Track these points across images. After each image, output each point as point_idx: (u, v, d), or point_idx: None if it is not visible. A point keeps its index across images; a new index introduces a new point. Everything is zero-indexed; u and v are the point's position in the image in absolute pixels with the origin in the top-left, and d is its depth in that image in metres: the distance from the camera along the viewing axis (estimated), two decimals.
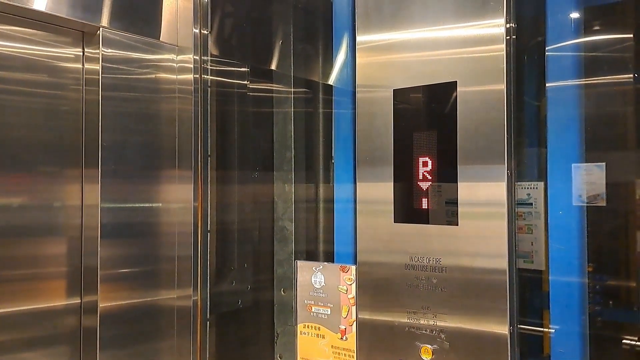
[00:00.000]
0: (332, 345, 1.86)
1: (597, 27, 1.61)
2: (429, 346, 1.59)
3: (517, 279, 1.50)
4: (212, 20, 2.20)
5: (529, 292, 1.66)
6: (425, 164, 1.62)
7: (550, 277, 1.56)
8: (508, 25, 1.50)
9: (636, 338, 1.50)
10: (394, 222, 1.67)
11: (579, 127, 1.54)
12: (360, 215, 1.76)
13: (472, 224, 1.53)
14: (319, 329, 1.90)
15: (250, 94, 2.42)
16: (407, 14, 1.67)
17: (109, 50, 1.93)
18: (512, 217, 1.50)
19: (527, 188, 1.65)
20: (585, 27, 1.58)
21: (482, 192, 1.51)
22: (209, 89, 2.18)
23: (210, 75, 2.19)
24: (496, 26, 1.50)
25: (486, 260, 1.50)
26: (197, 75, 2.13)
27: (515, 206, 1.53)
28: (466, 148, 1.54)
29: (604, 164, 1.52)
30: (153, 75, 2.08)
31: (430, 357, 1.59)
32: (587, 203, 1.53)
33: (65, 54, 1.94)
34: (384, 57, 1.71)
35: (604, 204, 1.52)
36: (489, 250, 1.50)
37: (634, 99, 1.56)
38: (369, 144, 1.73)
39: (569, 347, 1.53)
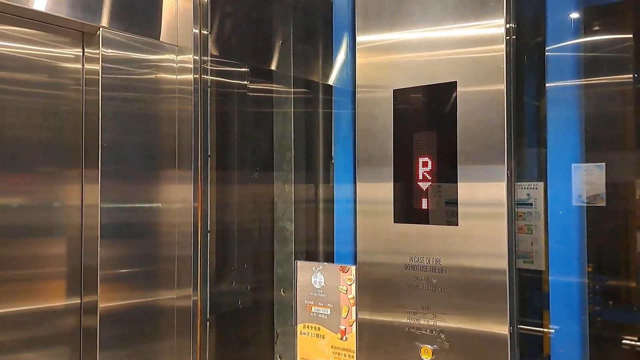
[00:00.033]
0: (332, 346, 1.86)
1: (597, 27, 1.61)
2: (429, 346, 1.59)
3: (517, 279, 1.50)
4: (212, 21, 2.20)
5: (528, 292, 1.66)
6: (425, 164, 1.62)
7: (550, 277, 1.56)
8: (508, 26, 1.50)
9: (636, 338, 1.49)
10: (394, 222, 1.67)
11: (578, 127, 1.54)
12: (360, 216, 1.76)
13: (472, 224, 1.53)
14: (318, 329, 1.89)
15: (250, 94, 2.42)
16: (407, 14, 1.67)
17: (109, 51, 1.93)
18: (512, 217, 1.50)
19: (527, 188, 1.65)
20: (585, 27, 1.58)
21: (482, 192, 1.51)
22: (208, 89, 2.17)
23: (210, 76, 2.19)
24: (496, 26, 1.50)
25: (486, 260, 1.50)
26: (197, 76, 2.13)
27: (515, 206, 1.52)
28: (466, 148, 1.53)
29: (603, 164, 1.52)
30: (153, 76, 2.08)
31: (430, 358, 1.59)
32: (587, 203, 1.53)
33: (65, 54, 1.94)
34: (383, 57, 1.71)
35: (603, 204, 1.52)
36: (489, 250, 1.50)
37: (634, 99, 1.56)
38: (369, 144, 1.73)
39: (568, 347, 1.53)
